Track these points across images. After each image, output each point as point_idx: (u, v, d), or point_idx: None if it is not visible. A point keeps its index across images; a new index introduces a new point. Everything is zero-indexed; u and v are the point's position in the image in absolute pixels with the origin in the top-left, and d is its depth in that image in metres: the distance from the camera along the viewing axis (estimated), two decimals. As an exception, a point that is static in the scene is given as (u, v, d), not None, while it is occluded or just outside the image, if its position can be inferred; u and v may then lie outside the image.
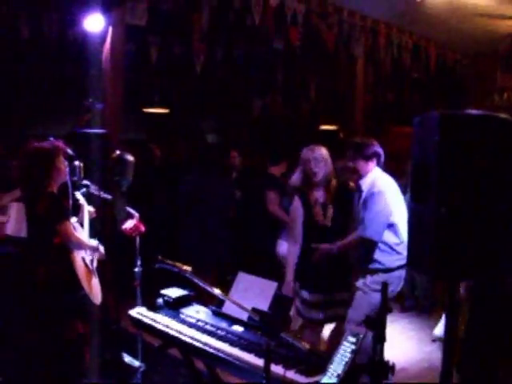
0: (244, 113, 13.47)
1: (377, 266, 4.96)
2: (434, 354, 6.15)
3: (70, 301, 4.42)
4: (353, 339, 2.44)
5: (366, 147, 5.04)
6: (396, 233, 4.90)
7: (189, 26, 8.39)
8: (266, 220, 7.10)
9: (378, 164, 5.08)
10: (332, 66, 11.03)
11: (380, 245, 4.91)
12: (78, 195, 4.79)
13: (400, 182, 5.35)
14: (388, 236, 4.91)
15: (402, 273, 5.00)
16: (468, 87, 11.67)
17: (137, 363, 5.01)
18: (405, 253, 4.39)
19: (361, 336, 2.44)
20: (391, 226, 4.90)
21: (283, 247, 6.45)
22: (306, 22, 7.93)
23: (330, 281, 5.03)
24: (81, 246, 4.50)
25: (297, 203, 5.17)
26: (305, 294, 5.08)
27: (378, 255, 4.94)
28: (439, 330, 6.47)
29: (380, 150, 5.07)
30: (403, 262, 4.72)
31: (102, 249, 4.77)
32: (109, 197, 5.06)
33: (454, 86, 11.77)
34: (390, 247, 4.92)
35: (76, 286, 4.36)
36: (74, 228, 4.49)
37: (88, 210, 4.81)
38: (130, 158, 4.78)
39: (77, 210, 4.74)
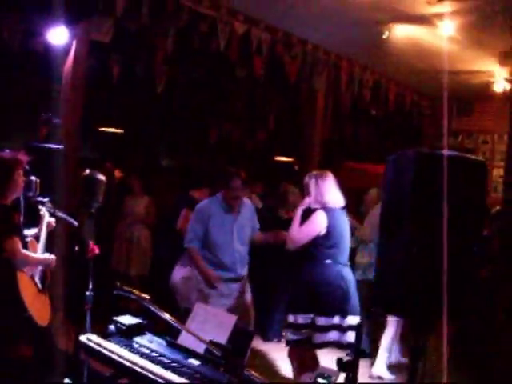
0: (201, 139, 13.32)
1: None
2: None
3: (13, 320, 4.20)
4: (323, 381, 2.33)
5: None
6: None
7: (153, 47, 8.28)
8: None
9: None
10: (292, 98, 11.04)
11: None
12: (40, 206, 4.62)
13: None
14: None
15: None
16: (424, 128, 11.86)
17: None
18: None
19: (333, 378, 2.33)
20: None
21: (178, 273, 6.18)
22: (270, 52, 7.93)
23: None
24: (27, 263, 4.29)
25: None
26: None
27: None
28: (377, 368, 6.38)
29: None
30: None
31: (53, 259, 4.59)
32: (62, 215, 4.87)
33: (410, 126, 11.94)
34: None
35: (19, 305, 4.16)
36: (26, 243, 4.32)
37: (48, 221, 4.62)
38: (101, 177, 4.60)
39: (38, 220, 4.57)
